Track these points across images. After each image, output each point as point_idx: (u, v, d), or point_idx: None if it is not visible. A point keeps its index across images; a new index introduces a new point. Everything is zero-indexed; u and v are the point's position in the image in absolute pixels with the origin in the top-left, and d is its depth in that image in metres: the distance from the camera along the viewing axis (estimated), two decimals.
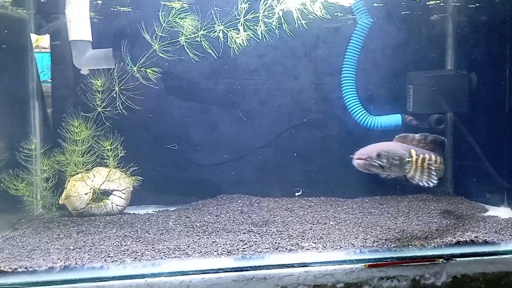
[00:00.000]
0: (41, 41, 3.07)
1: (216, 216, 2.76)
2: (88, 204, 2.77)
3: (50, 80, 3.05)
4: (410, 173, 2.22)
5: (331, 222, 2.62)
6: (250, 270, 1.91)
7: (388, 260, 2.04)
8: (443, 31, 3.26)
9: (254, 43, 2.62)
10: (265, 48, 3.02)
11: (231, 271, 1.90)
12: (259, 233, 2.40)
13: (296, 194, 3.17)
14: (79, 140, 2.73)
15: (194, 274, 1.88)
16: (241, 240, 2.25)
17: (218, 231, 2.46)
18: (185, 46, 2.67)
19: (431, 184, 2.20)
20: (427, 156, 2.29)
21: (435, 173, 2.23)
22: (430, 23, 3.22)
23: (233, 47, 2.56)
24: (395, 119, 3.14)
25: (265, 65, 3.13)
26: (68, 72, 2.97)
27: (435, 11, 3.17)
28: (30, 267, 1.90)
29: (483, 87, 3.05)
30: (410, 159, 2.21)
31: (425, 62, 3.24)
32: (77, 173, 2.78)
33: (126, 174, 2.85)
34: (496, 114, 3.01)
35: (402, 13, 3.14)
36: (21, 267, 1.90)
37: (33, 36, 2.99)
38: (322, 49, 3.14)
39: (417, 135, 2.40)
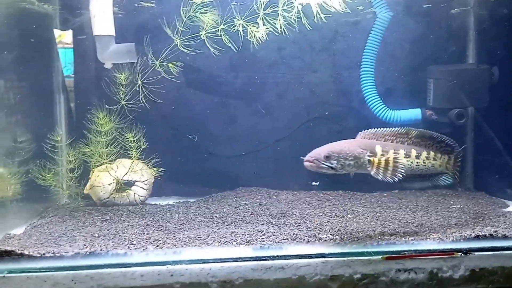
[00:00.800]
0: (64, 37, 3.15)
1: (235, 207, 2.81)
2: (111, 194, 2.85)
3: (72, 76, 3.14)
4: (372, 171, 2.16)
5: (349, 215, 2.64)
6: (268, 260, 1.95)
7: (406, 253, 2.05)
8: (464, 25, 3.22)
9: (273, 37, 2.64)
10: (284, 42, 3.04)
11: (250, 260, 1.94)
12: (277, 225, 2.44)
13: (313, 183, 3.18)
14: (103, 131, 2.81)
15: (213, 262, 1.92)
16: (260, 231, 2.29)
17: (237, 222, 2.50)
18: (205, 40, 2.72)
19: (395, 180, 2.14)
20: (401, 151, 2.23)
21: (402, 169, 2.15)
22: (451, 16, 3.18)
23: (253, 41, 2.59)
24: (414, 113, 3.12)
25: (284, 58, 3.15)
26: (92, 65, 3.05)
27: (456, 4, 3.14)
28: (58, 253, 1.98)
29: (504, 82, 3.01)
30: (371, 157, 2.15)
31: (446, 56, 3.20)
32: (101, 164, 2.86)
33: (148, 165, 2.93)
34: None
35: (423, 6, 3.11)
36: (48, 252, 1.98)
37: (56, 32, 3.08)
38: (341, 43, 3.14)
39: (392, 129, 2.30)
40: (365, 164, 2.16)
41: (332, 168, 2.10)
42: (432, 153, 2.35)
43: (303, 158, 2.11)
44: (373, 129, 2.31)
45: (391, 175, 2.15)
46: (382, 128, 2.31)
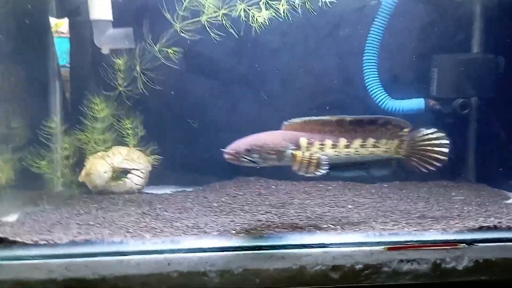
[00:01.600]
0: (60, 26, 3.09)
1: (234, 197, 2.76)
2: (107, 182, 2.80)
3: (68, 66, 3.07)
4: (294, 166, 2.02)
5: (350, 206, 2.59)
6: (268, 249, 1.90)
7: (408, 243, 2.00)
8: (470, 13, 3.15)
9: (276, 22, 2.57)
10: (287, 27, 2.97)
11: (249, 250, 1.89)
12: (277, 214, 2.39)
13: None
14: (99, 118, 2.75)
15: (212, 251, 1.87)
16: (259, 220, 2.25)
17: (235, 212, 2.46)
18: (206, 26, 2.65)
19: (318, 175, 2.01)
20: (327, 142, 2.07)
21: (325, 163, 2.01)
22: (457, 4, 3.12)
23: (255, 26, 2.52)
24: (417, 103, 3.08)
25: (286, 44, 3.08)
26: (89, 51, 2.98)
27: None
28: (51, 240, 1.92)
29: (510, 72, 2.96)
30: (295, 150, 2.02)
31: (450, 45, 3.14)
32: (97, 152, 2.80)
33: (145, 153, 2.87)
34: None
35: None
36: (42, 240, 1.92)
37: (53, 21, 3.01)
38: (345, 29, 3.08)
39: (320, 118, 2.11)
40: (288, 158, 2.02)
41: (253, 162, 1.97)
42: (371, 140, 2.14)
43: (223, 149, 1.97)
44: (298, 118, 2.12)
45: (314, 170, 2.01)
46: (308, 118, 2.12)
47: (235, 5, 2.52)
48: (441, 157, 2.14)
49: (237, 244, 1.94)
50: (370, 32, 2.94)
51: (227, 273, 1.80)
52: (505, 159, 2.97)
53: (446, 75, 3.02)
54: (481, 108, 3.12)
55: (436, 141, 2.16)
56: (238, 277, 1.81)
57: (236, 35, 2.60)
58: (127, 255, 1.82)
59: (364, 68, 3.00)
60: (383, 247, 1.96)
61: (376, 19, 2.93)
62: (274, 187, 3.04)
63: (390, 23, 2.93)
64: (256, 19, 2.45)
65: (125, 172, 2.87)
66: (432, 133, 2.17)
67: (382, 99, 3.02)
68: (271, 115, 3.13)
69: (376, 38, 2.93)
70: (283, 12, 2.45)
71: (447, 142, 2.15)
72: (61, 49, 3.05)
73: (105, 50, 2.86)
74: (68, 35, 3.03)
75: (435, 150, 2.15)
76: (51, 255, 1.84)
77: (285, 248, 1.92)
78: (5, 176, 2.52)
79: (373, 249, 1.94)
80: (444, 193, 2.92)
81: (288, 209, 2.50)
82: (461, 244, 1.99)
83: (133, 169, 2.87)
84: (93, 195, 2.78)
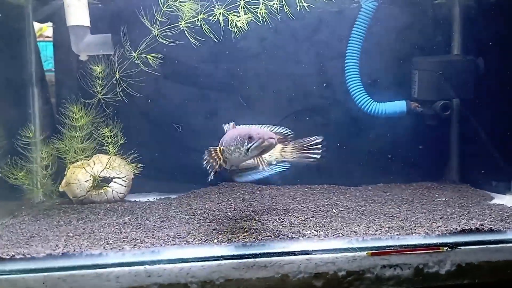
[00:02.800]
0: (45, 30, 3.04)
1: (218, 203, 2.73)
2: (88, 191, 2.75)
3: (53, 70, 3.02)
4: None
5: (334, 210, 2.58)
6: (250, 258, 1.88)
7: (391, 248, 2.00)
8: (450, 15, 3.17)
9: (255, 27, 2.55)
10: (266, 32, 2.95)
11: (232, 259, 1.87)
12: (260, 221, 2.37)
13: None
14: (78, 126, 2.70)
15: (194, 261, 1.85)
16: (242, 228, 2.22)
17: (219, 219, 2.43)
18: (185, 31, 2.61)
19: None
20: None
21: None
22: (436, 6, 3.13)
23: (234, 31, 2.49)
24: (399, 105, 3.08)
25: (266, 49, 3.06)
26: (68, 58, 2.93)
27: None
28: (28, 254, 1.88)
29: (490, 73, 2.98)
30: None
31: (431, 47, 3.16)
32: (77, 160, 2.75)
33: (126, 161, 2.83)
34: (503, 100, 2.94)
35: None
36: (19, 253, 1.88)
37: (37, 25, 2.95)
38: (325, 32, 3.07)
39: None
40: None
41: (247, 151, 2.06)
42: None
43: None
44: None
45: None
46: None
47: (213, 10, 2.49)
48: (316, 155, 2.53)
49: (219, 254, 1.92)
50: (351, 35, 2.94)
51: (209, 284, 1.78)
52: (488, 159, 2.99)
53: (426, 77, 3.04)
54: (462, 110, 3.14)
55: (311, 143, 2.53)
56: None
57: (215, 40, 2.57)
58: (106, 267, 1.79)
59: (345, 71, 3.00)
60: (366, 252, 1.95)
61: (357, 22, 2.93)
62: (258, 192, 3.01)
63: (371, 26, 2.94)
64: (235, 24, 2.42)
65: (106, 180, 2.82)
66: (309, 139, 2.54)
67: (364, 102, 3.02)
68: (252, 120, 3.11)
69: (357, 42, 2.93)
70: (261, 16, 2.42)
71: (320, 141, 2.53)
72: (47, 53, 2.99)
73: (83, 57, 2.81)
74: (52, 39, 2.98)
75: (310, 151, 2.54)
76: (28, 269, 1.80)
77: (268, 256, 1.91)
78: None
79: (356, 255, 1.94)
80: (428, 195, 2.93)
81: (271, 215, 2.48)
82: (444, 248, 2.00)
83: (115, 177, 2.83)
84: (74, 205, 2.73)
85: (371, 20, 2.91)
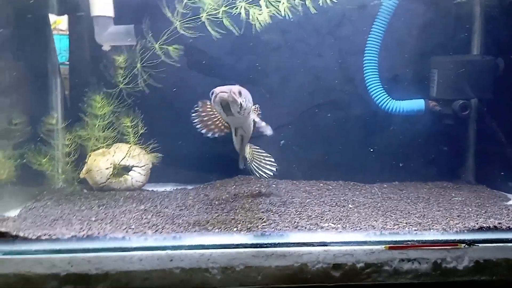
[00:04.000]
0: (60, 23, 3.08)
1: (234, 195, 2.76)
2: (108, 179, 2.80)
3: (67, 63, 3.06)
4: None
5: (350, 205, 2.60)
6: (269, 247, 1.91)
7: (409, 243, 2.01)
8: (470, 14, 3.15)
9: (276, 20, 2.57)
10: (288, 25, 2.97)
11: (251, 247, 1.90)
12: (277, 213, 2.39)
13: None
14: (100, 115, 2.75)
15: (214, 248, 1.88)
16: (260, 218, 2.25)
17: (236, 209, 2.46)
18: (206, 23, 2.65)
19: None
20: None
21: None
22: (457, 4, 3.12)
23: (255, 24, 2.51)
24: (417, 104, 3.09)
25: (288, 42, 3.08)
26: (89, 47, 2.97)
27: None
28: (54, 235, 1.92)
29: (509, 73, 2.97)
30: None
31: (450, 46, 3.14)
32: (98, 148, 2.80)
33: (146, 150, 2.87)
34: None
35: None
36: (44, 234, 1.93)
37: (52, 18, 2.99)
38: (347, 28, 3.08)
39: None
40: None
41: (240, 107, 2.17)
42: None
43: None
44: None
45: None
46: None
47: (235, 3, 2.51)
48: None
49: (238, 242, 1.94)
50: (371, 32, 2.95)
51: (229, 270, 1.81)
52: (505, 160, 2.98)
53: (446, 76, 3.03)
54: (481, 110, 3.13)
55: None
56: (240, 274, 1.81)
57: (236, 33, 2.59)
58: (129, 251, 1.82)
59: (364, 68, 3.00)
60: (383, 246, 1.97)
61: (377, 19, 2.94)
62: (274, 186, 3.04)
63: (391, 23, 2.94)
64: (257, 17, 2.44)
65: (126, 169, 2.87)
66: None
67: (382, 100, 3.03)
68: (272, 113, 3.13)
69: (377, 38, 2.93)
70: (283, 11, 2.44)
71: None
72: (60, 46, 3.04)
73: (106, 47, 2.85)
74: (67, 33, 3.02)
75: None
76: (53, 250, 1.84)
77: (286, 246, 1.93)
78: (7, 172, 2.51)
79: (374, 248, 1.95)
80: (444, 194, 2.93)
81: (288, 207, 2.50)
82: (462, 244, 2.00)
83: (134, 166, 2.87)
84: (94, 191, 2.78)
85: (391, 17, 2.91)
